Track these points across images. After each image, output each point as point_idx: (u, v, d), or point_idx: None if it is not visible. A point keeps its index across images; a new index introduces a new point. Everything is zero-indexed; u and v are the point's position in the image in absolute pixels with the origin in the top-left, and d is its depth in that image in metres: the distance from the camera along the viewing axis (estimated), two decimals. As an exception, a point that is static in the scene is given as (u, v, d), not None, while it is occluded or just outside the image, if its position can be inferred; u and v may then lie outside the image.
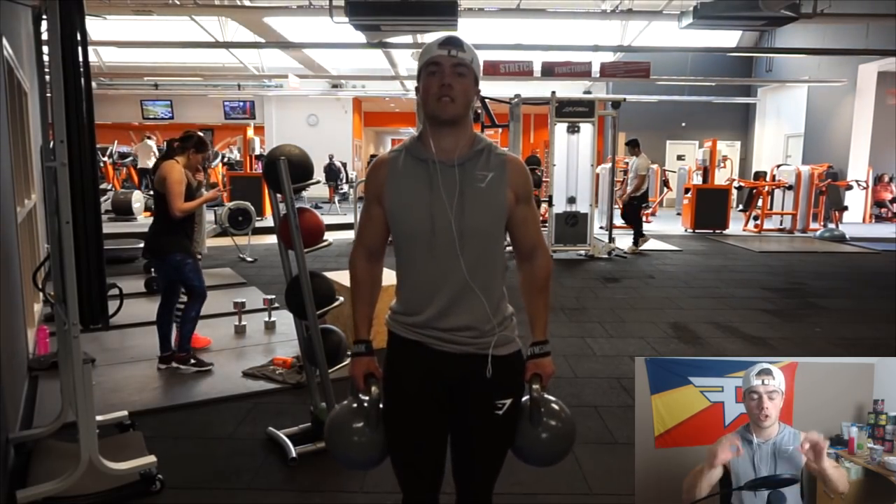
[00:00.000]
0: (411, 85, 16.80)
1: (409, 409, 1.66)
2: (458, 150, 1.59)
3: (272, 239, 3.51)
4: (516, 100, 9.17)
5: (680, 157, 17.82)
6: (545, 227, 9.46)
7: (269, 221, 3.77)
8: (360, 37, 9.91)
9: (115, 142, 16.46)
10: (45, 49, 2.42)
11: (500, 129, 10.98)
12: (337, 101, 20.28)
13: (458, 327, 1.60)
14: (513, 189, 1.62)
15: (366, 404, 1.67)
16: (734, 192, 13.80)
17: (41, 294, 3.65)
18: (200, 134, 4.23)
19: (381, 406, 1.68)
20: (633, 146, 9.63)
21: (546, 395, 1.72)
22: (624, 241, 10.21)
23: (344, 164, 18.28)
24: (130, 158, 15.78)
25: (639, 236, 9.56)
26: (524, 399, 1.70)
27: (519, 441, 1.71)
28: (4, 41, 3.54)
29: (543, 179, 10.22)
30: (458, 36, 1.57)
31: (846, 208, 12.54)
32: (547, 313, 1.73)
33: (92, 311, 2.42)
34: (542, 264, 1.71)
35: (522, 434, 1.70)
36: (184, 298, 4.35)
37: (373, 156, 22.39)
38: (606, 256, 8.97)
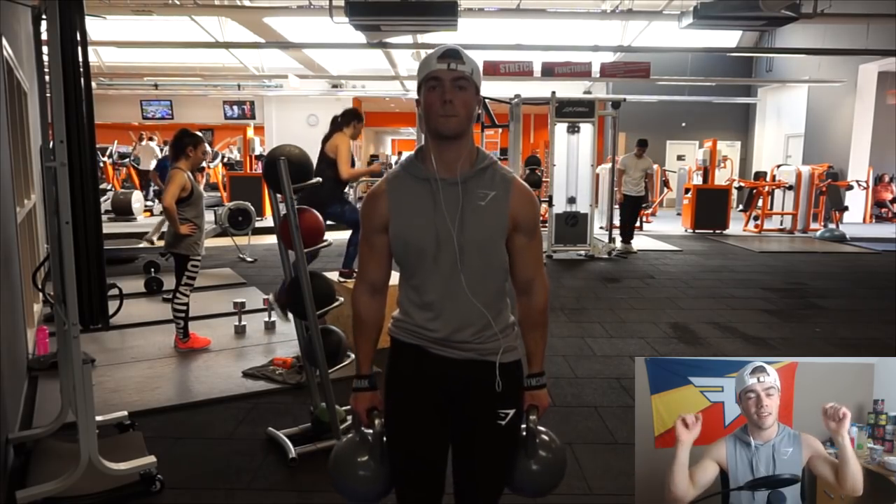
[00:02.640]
0: (411, 85, 16.78)
1: (411, 414, 1.65)
2: (460, 165, 1.58)
3: (272, 239, 3.52)
4: (516, 100, 9.16)
5: (680, 157, 17.81)
6: (545, 227, 9.46)
7: (269, 221, 3.78)
8: (360, 37, 9.89)
9: (115, 142, 16.45)
10: (45, 49, 2.41)
11: (500, 129, 10.98)
12: (337, 101, 20.24)
13: (460, 340, 1.61)
14: (514, 214, 1.59)
15: (369, 437, 1.67)
16: (734, 192, 13.79)
17: (41, 294, 3.65)
18: (353, 108, 5.30)
19: (384, 439, 1.68)
20: (642, 146, 9.39)
21: (539, 427, 1.71)
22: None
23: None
24: (130, 158, 15.77)
25: (630, 236, 9.55)
26: (522, 432, 1.69)
27: (515, 472, 1.70)
28: (4, 41, 3.54)
29: (543, 179, 10.21)
30: (456, 48, 1.55)
31: (846, 208, 12.54)
32: (544, 346, 1.72)
33: (92, 312, 2.42)
34: (539, 299, 1.68)
35: (518, 466, 1.69)
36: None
37: (373, 156, 22.40)
38: (606, 256, 8.97)
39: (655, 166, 9.38)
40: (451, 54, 1.54)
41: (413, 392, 1.65)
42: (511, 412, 1.64)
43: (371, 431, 1.67)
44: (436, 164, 1.58)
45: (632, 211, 9.53)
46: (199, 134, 4.54)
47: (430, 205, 1.57)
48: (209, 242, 4.46)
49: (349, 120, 5.14)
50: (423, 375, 1.63)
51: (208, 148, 5.80)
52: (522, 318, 1.71)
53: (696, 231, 11.95)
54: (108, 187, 14.16)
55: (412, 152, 1.68)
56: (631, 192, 9.31)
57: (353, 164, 5.15)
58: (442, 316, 1.59)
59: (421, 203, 1.58)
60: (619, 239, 9.45)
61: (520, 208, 1.60)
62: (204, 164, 14.66)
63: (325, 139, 5.11)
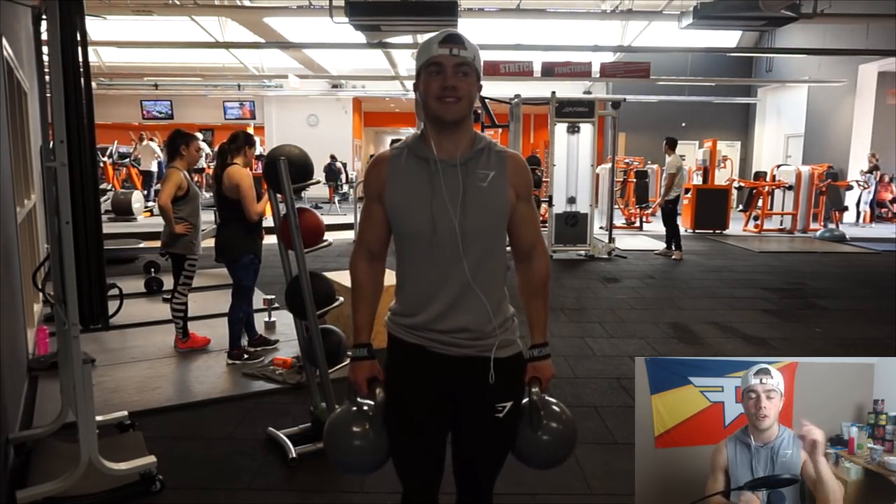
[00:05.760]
0: (411, 85, 16.74)
1: (410, 411, 1.65)
2: (460, 150, 1.58)
3: (272, 239, 3.52)
4: (516, 100, 9.16)
5: (680, 157, 17.81)
6: (545, 227, 9.45)
7: (269, 221, 3.78)
8: (360, 37, 9.90)
9: (115, 142, 16.45)
10: (45, 49, 2.41)
11: (500, 129, 10.97)
12: (337, 101, 20.28)
13: (458, 329, 1.59)
14: (513, 187, 1.60)
15: (366, 408, 1.65)
16: (734, 192, 13.78)
17: (41, 294, 3.65)
18: (246, 131, 4.35)
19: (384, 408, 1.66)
20: (668, 144, 9.14)
21: (547, 398, 1.71)
22: (624, 241, 10.22)
23: (344, 165, 18.27)
24: (131, 159, 15.77)
25: (677, 242, 8.95)
26: (524, 402, 1.69)
27: (519, 444, 1.70)
28: (4, 41, 3.54)
29: (543, 179, 10.21)
30: (458, 32, 1.54)
31: (846, 208, 12.53)
32: (546, 315, 1.71)
33: (92, 312, 2.42)
34: (541, 265, 1.69)
35: (522, 437, 1.69)
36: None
37: (373, 156, 22.39)
38: (606, 256, 8.97)
39: (672, 161, 8.96)
40: (454, 39, 1.52)
41: (412, 388, 1.65)
42: (508, 405, 1.64)
43: (372, 402, 1.64)
44: (435, 149, 1.57)
45: (665, 216, 9.10)
46: (197, 134, 4.54)
47: (428, 187, 1.56)
48: (209, 242, 4.46)
49: (239, 147, 4.19)
50: (422, 371, 1.64)
51: (203, 145, 5.73)
52: (523, 287, 1.70)
53: (696, 231, 11.95)
54: (108, 187, 14.15)
55: (417, 131, 1.67)
56: (666, 196, 8.94)
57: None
58: (439, 304, 1.58)
59: (418, 183, 1.57)
60: (620, 240, 9.42)
61: (517, 178, 1.61)
62: (203, 164, 14.69)
63: (217, 176, 4.23)
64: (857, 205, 13.36)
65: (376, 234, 1.68)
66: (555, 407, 1.73)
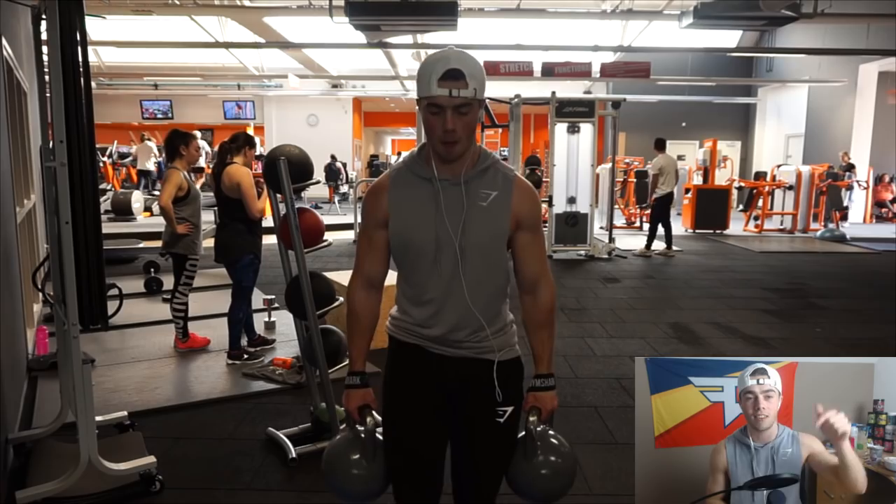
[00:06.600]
0: (411, 85, 16.78)
1: (409, 411, 1.64)
2: (462, 167, 1.55)
3: (272, 239, 3.52)
4: (516, 100, 9.16)
5: (680, 157, 17.80)
6: (545, 227, 9.44)
7: (269, 221, 3.79)
8: (360, 37, 9.90)
9: (115, 142, 16.45)
10: (45, 49, 2.41)
11: (500, 129, 10.97)
12: (337, 101, 20.28)
13: (457, 340, 1.60)
14: (516, 213, 1.57)
15: (363, 435, 1.64)
16: (734, 192, 13.77)
17: (41, 294, 3.65)
18: (247, 132, 4.29)
19: (378, 437, 1.64)
20: (656, 146, 9.40)
21: (548, 430, 1.68)
22: (624, 241, 10.21)
23: (344, 165, 18.27)
24: (130, 158, 15.78)
25: (649, 239, 9.28)
26: (520, 435, 1.66)
27: (514, 474, 1.67)
28: (4, 41, 3.54)
29: (543, 179, 10.21)
30: (458, 68, 1.44)
31: (847, 208, 12.52)
32: (552, 346, 1.68)
33: (91, 312, 2.42)
34: (546, 298, 1.65)
35: (517, 467, 1.66)
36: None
37: (373, 156, 22.39)
38: (606, 256, 8.97)
39: (656, 161, 9.27)
40: (453, 75, 1.43)
41: (412, 390, 1.64)
42: (509, 409, 1.63)
43: (363, 429, 1.64)
44: (437, 167, 1.56)
45: (653, 212, 9.54)
46: (195, 133, 4.54)
47: (432, 206, 1.55)
48: (209, 242, 4.46)
49: (239, 147, 4.23)
50: (422, 373, 1.63)
51: (202, 143, 5.72)
52: (528, 319, 1.67)
53: (697, 231, 11.95)
54: (108, 187, 14.15)
55: (415, 149, 1.65)
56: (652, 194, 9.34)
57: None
58: (440, 314, 1.58)
59: (422, 203, 1.56)
60: (620, 240, 9.46)
61: (521, 205, 1.58)
62: (203, 164, 14.69)
63: (217, 175, 4.25)
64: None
65: (377, 263, 1.66)
66: (553, 440, 1.68)
